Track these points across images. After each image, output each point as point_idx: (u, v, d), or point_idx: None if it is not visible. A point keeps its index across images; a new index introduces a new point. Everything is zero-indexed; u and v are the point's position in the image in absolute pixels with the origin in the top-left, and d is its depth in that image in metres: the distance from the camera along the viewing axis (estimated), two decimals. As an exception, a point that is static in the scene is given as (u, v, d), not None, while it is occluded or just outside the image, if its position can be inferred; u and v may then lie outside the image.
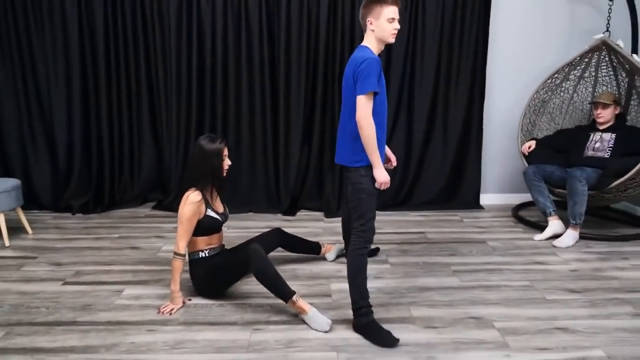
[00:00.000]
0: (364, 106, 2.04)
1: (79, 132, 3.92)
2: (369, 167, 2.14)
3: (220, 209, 2.51)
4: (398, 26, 2.15)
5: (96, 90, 3.91)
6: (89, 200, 3.95)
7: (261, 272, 2.23)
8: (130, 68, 3.96)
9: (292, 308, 2.23)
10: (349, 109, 2.16)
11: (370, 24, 2.13)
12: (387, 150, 2.53)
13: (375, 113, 2.12)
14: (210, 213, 2.41)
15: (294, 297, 2.20)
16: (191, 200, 2.32)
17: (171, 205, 3.99)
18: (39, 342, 2.08)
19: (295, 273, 2.80)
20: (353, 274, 2.18)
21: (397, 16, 2.13)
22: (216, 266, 2.41)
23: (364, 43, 2.19)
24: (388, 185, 2.16)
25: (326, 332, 2.15)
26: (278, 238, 2.82)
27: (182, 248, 2.32)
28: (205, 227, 2.41)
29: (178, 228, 2.33)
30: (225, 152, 2.42)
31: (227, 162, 2.44)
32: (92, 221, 3.72)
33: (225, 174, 2.45)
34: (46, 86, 3.88)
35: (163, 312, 2.32)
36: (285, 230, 2.90)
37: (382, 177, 2.12)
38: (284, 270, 2.81)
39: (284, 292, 2.21)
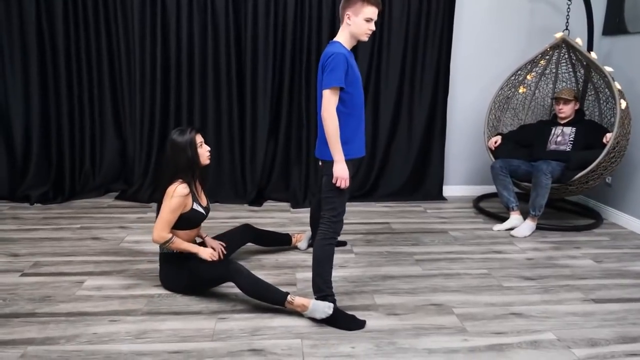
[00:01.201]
0: (327, 100, 2.06)
1: (37, 121, 3.79)
2: (348, 161, 2.16)
3: (204, 202, 2.48)
4: (374, 27, 2.16)
5: (55, 79, 3.78)
6: (48, 190, 3.83)
7: (249, 290, 2.21)
8: (92, 57, 3.86)
9: (292, 308, 2.19)
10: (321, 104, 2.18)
11: (348, 18, 2.14)
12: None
13: (353, 106, 2.16)
14: (196, 207, 2.37)
15: (289, 298, 2.17)
16: (178, 193, 2.26)
17: (135, 196, 3.93)
18: (-4, 334, 2.03)
19: (261, 263, 2.81)
20: (320, 263, 2.20)
21: (375, 17, 2.14)
22: (191, 274, 2.34)
23: (336, 38, 2.20)
24: (346, 182, 2.13)
25: (329, 315, 2.13)
26: (247, 234, 2.80)
27: (166, 235, 2.28)
28: (189, 220, 2.36)
29: (158, 219, 2.28)
30: (199, 139, 2.35)
31: (205, 149, 2.38)
32: (51, 211, 3.62)
33: (208, 161, 2.40)
34: (1, 72, 3.73)
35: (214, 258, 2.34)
36: (253, 221, 2.90)
37: (340, 171, 2.11)
38: (249, 260, 2.83)
39: (277, 298, 2.19)
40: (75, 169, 3.97)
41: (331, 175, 2.16)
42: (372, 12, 2.12)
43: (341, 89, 2.10)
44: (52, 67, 3.76)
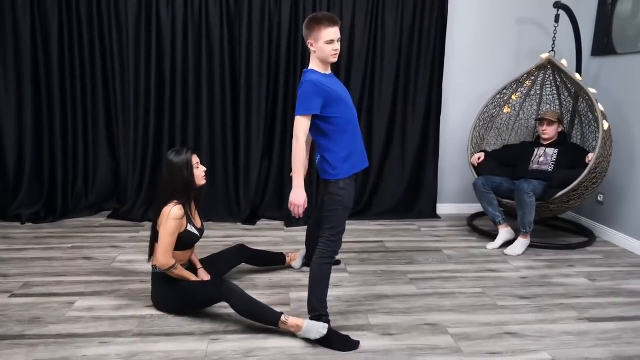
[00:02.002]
0: (297, 126, 2.10)
1: (30, 140, 3.78)
2: (348, 179, 2.19)
3: (199, 223, 2.47)
4: (338, 47, 2.15)
5: (49, 98, 3.79)
6: (40, 210, 3.80)
7: (242, 310, 2.19)
8: (86, 76, 3.88)
9: (286, 329, 2.16)
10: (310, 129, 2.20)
11: (311, 45, 2.16)
12: None
13: (345, 123, 2.19)
14: (190, 228, 2.36)
15: (283, 318, 2.15)
16: (174, 216, 2.25)
17: (128, 214, 3.91)
18: (-17, 357, 1.99)
19: (254, 282, 2.79)
20: (316, 282, 2.19)
21: (336, 36, 2.13)
22: (185, 294, 2.32)
23: (310, 65, 2.23)
24: (299, 210, 2.15)
25: (324, 335, 2.10)
26: (241, 255, 2.79)
27: (171, 261, 2.27)
28: (183, 242, 2.34)
29: (160, 245, 2.25)
30: (195, 160, 2.36)
31: (201, 169, 2.38)
32: (42, 231, 3.58)
33: (204, 181, 2.40)
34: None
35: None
36: (246, 239, 2.89)
37: (294, 197, 2.13)
38: (243, 280, 2.80)
39: (271, 318, 2.17)
40: (67, 188, 3.94)
41: (334, 195, 2.18)
42: (330, 33, 2.11)
43: (316, 116, 2.13)
44: (45, 85, 3.76)
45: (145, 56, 3.82)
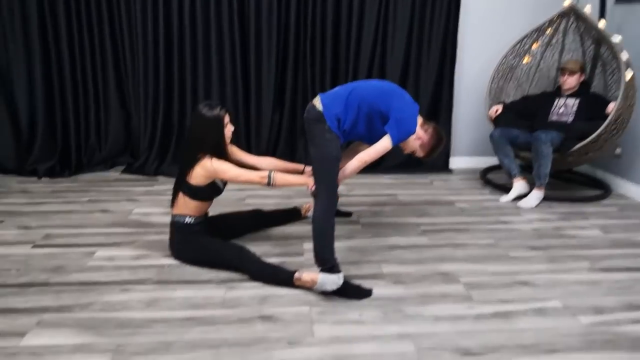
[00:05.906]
0: (381, 152, 2.32)
1: (41, 96, 3.77)
2: (334, 133, 2.24)
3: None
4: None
5: (58, 52, 3.75)
6: (55, 164, 3.85)
7: (259, 276, 2.24)
8: (94, 31, 3.80)
9: (302, 285, 2.18)
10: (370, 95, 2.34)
11: (419, 138, 2.39)
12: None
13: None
14: (217, 181, 2.40)
15: (296, 275, 2.18)
16: (216, 161, 2.28)
17: (141, 169, 3.94)
18: (12, 302, 2.07)
19: (267, 234, 2.83)
20: (325, 236, 2.21)
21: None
22: (201, 251, 2.37)
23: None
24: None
25: (339, 286, 2.13)
26: (257, 221, 2.84)
27: (260, 174, 2.31)
28: (207, 193, 2.38)
29: (239, 178, 2.29)
30: (227, 119, 2.36)
31: (229, 129, 2.39)
32: (59, 185, 3.64)
33: (228, 141, 2.41)
34: (3, 46, 3.70)
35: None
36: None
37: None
38: (257, 233, 2.84)
39: (285, 279, 2.20)
40: (80, 143, 3.97)
41: (320, 145, 2.24)
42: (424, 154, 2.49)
43: (382, 114, 2.32)
44: (53, 40, 3.71)
45: (153, 10, 3.74)
